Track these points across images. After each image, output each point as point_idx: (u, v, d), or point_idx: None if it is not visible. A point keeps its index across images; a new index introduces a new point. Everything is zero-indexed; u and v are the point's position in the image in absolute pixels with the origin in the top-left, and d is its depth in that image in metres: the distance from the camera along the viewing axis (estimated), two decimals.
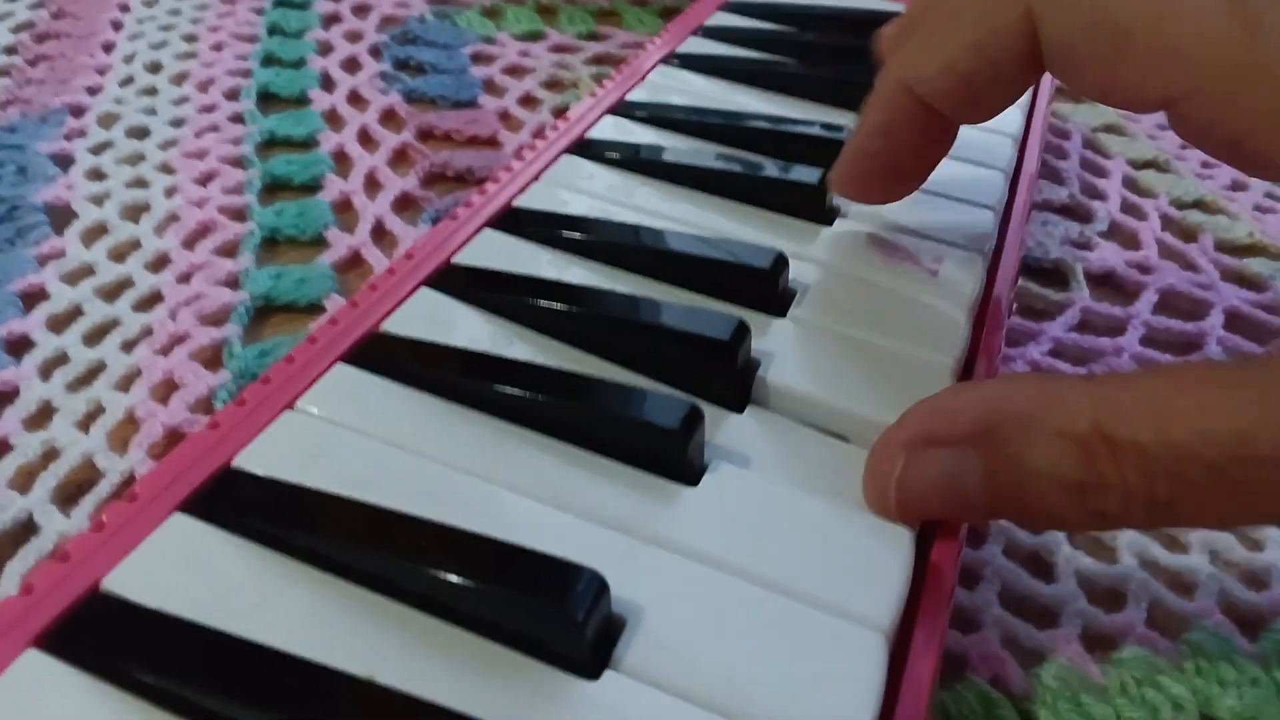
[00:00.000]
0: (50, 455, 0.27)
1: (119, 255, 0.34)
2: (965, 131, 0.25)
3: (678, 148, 0.30)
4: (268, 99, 0.44)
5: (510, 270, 0.25)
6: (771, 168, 0.29)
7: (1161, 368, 0.18)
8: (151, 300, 0.33)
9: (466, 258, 0.25)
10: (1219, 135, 0.18)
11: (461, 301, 0.24)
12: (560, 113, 0.44)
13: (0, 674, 0.15)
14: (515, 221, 0.26)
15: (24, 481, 0.26)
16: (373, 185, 0.39)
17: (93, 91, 0.44)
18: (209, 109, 0.43)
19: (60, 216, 0.36)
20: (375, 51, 0.48)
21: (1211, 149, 0.19)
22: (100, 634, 0.16)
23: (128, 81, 0.44)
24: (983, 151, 0.31)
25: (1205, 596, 0.25)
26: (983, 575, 0.25)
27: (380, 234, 0.37)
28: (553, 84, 0.46)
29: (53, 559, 0.17)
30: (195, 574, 0.17)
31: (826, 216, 0.28)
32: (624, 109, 0.32)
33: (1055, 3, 0.20)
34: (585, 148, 0.30)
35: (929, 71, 0.22)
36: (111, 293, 0.33)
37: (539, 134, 0.41)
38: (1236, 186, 0.43)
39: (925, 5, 0.23)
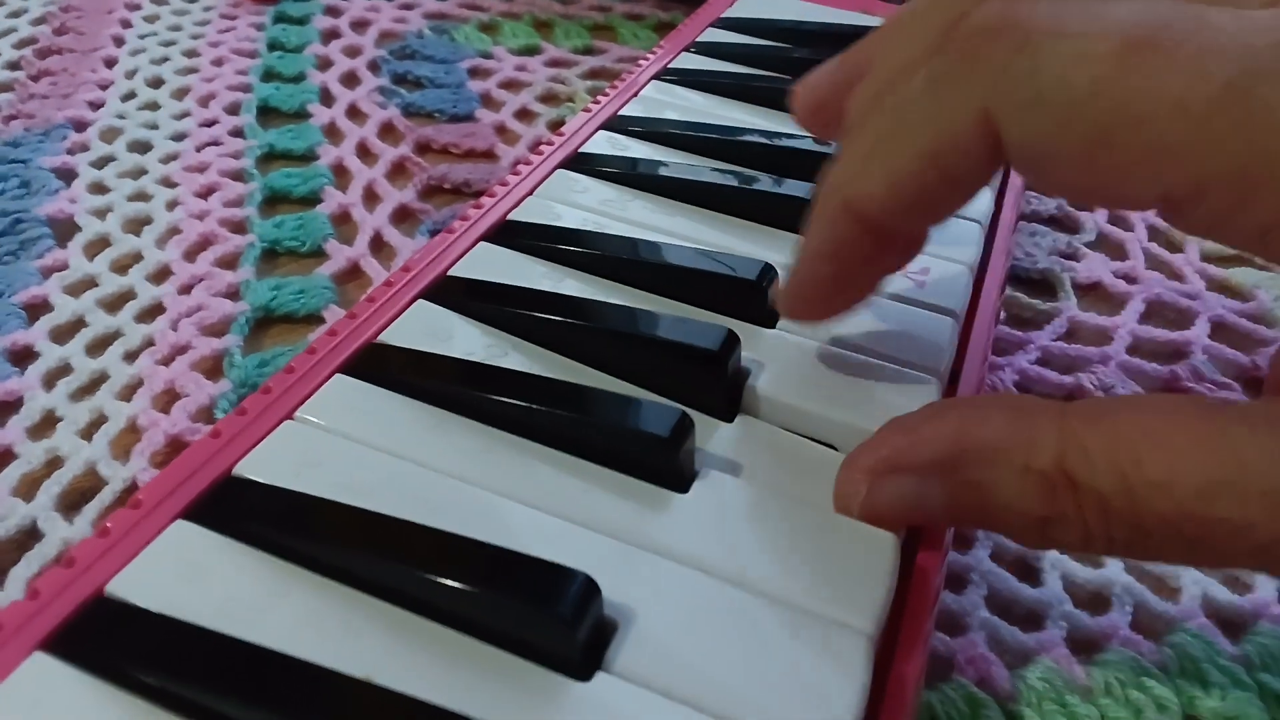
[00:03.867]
0: (54, 463, 0.28)
1: (121, 267, 0.35)
2: None
3: (671, 162, 0.31)
4: (268, 113, 0.45)
5: (505, 282, 0.25)
6: (763, 182, 0.29)
7: (1142, 403, 0.17)
8: (153, 311, 0.33)
9: (463, 270, 0.26)
10: (1242, 228, 0.16)
11: (457, 313, 0.24)
12: (556, 126, 0.45)
13: (8, 676, 0.16)
14: (510, 235, 0.27)
15: (28, 489, 0.27)
16: (371, 198, 0.40)
17: (95, 106, 0.44)
18: (210, 123, 0.43)
19: (63, 229, 0.37)
20: (374, 66, 0.49)
21: (1230, 241, 0.17)
22: (105, 637, 0.16)
23: (130, 96, 0.45)
24: None
25: (1189, 599, 0.26)
26: (970, 579, 0.26)
27: (379, 246, 0.37)
28: (548, 98, 0.47)
29: (58, 564, 0.17)
30: (198, 579, 0.17)
31: None
32: (618, 124, 0.33)
33: (1018, 100, 0.17)
34: (579, 162, 0.31)
35: (873, 189, 0.19)
36: (114, 304, 0.33)
37: (535, 147, 0.42)
38: None
39: (862, 106, 0.21)
